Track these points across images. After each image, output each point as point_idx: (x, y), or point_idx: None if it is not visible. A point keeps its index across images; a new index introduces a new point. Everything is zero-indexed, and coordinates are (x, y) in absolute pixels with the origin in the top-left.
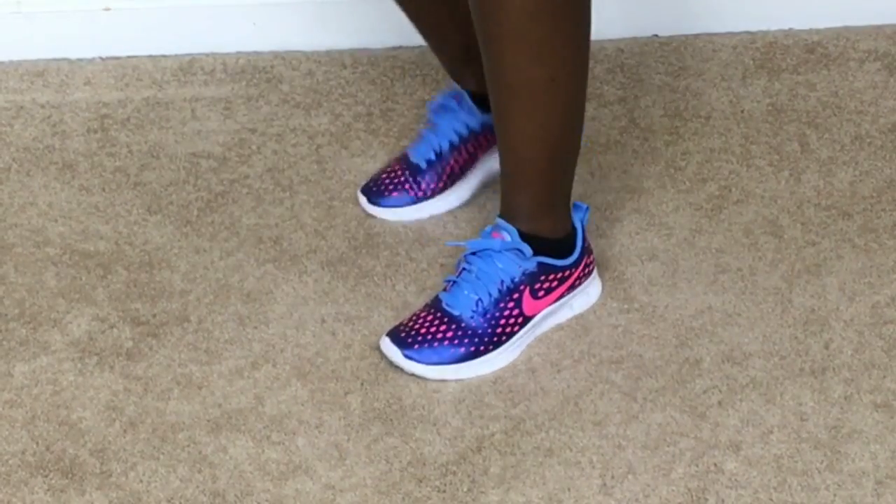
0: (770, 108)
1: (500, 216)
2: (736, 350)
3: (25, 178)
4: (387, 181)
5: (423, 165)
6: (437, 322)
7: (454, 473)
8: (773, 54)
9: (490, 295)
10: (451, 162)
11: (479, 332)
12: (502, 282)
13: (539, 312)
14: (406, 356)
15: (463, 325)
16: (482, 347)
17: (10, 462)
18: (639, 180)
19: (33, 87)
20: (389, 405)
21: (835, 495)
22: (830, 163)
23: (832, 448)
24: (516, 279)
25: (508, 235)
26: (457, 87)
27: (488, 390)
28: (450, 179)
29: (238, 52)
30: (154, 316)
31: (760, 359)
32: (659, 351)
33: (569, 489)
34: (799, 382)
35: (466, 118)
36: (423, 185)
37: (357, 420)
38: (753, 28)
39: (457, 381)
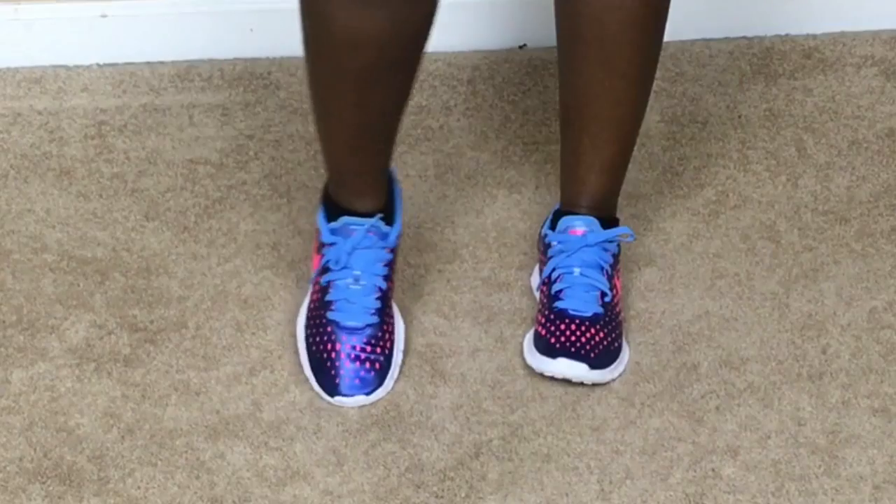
0: (767, 113)
1: (570, 209)
2: (733, 355)
3: (23, 185)
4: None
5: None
6: (585, 329)
7: (452, 479)
8: (770, 59)
9: (604, 283)
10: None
11: (614, 320)
12: (602, 269)
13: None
14: (591, 367)
15: (602, 319)
16: (623, 330)
17: (8, 469)
18: (636, 185)
19: (30, 94)
20: (387, 411)
21: (833, 500)
22: (827, 168)
23: (830, 453)
24: (611, 262)
25: (589, 227)
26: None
27: (486, 396)
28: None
29: (235, 59)
30: (152, 322)
31: (758, 364)
32: (656, 356)
33: (567, 494)
34: (796, 387)
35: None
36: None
37: (355, 426)
38: (750, 33)
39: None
